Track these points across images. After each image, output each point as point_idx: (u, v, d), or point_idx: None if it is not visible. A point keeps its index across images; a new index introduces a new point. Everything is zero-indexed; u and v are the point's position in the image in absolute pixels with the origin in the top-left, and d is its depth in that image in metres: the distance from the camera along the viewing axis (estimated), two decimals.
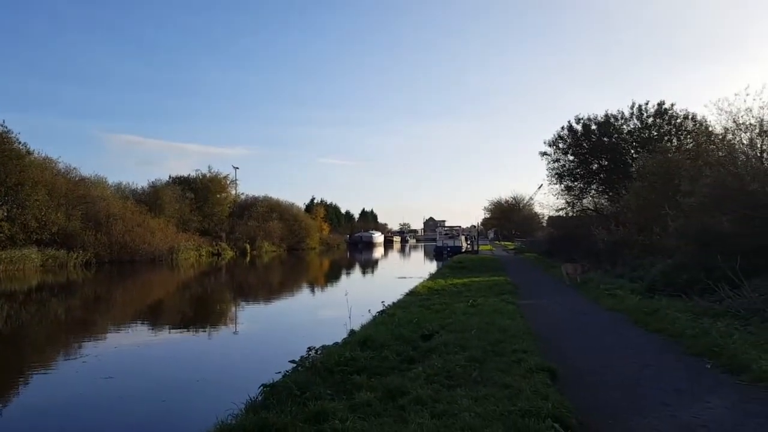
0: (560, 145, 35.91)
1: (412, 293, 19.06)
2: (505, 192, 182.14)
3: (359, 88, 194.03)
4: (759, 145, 16.34)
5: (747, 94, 17.38)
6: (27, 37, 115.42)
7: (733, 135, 18.23)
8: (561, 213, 39.11)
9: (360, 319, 12.95)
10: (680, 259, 16.26)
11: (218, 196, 70.42)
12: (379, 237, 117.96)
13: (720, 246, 13.99)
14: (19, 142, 40.82)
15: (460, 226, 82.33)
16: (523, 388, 6.57)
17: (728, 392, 6.85)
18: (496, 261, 38.71)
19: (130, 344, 13.92)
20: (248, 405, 6.52)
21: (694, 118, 31.40)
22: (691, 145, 28.48)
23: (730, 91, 42.07)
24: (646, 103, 32.85)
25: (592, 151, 34.56)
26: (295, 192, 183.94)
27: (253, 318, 19.52)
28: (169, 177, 67.85)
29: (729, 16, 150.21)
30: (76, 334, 16.23)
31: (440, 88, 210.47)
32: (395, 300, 17.02)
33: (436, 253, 62.12)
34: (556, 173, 36.33)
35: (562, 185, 36.42)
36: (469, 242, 63.11)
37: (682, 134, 31.41)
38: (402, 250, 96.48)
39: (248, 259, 58.71)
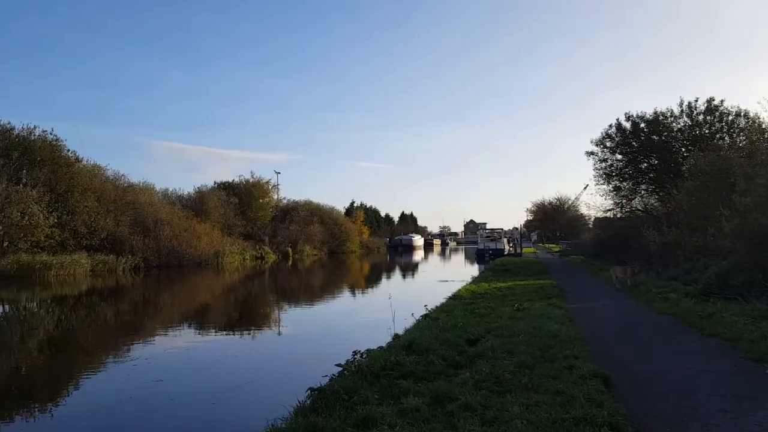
0: (608, 144, 35.02)
1: (455, 297, 18.84)
2: (548, 193, 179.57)
3: (397, 91, 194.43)
4: None
5: None
6: (75, 49, 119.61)
7: None
8: (609, 214, 38.19)
9: (403, 322, 12.85)
10: (736, 261, 15.62)
11: (261, 200, 71.48)
12: (419, 240, 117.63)
13: None
14: (69, 150, 42.35)
15: (501, 229, 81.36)
16: (576, 395, 6.38)
17: None
18: (540, 264, 38.04)
19: (179, 347, 14.15)
20: (297, 409, 6.52)
21: (746, 115, 30.23)
22: (744, 142, 27.42)
23: None
24: (696, 101, 31.78)
25: (641, 150, 33.59)
26: (334, 196, 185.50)
27: (296, 321, 19.65)
28: (214, 183, 69.37)
29: None
30: (125, 337, 16.60)
31: (479, 89, 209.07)
32: (438, 304, 16.85)
33: (477, 256, 61.56)
34: (604, 173, 35.45)
35: (611, 185, 35.51)
36: (511, 245, 62.34)
37: (734, 132, 30.27)
38: (442, 253, 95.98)
39: (290, 262, 59.32)
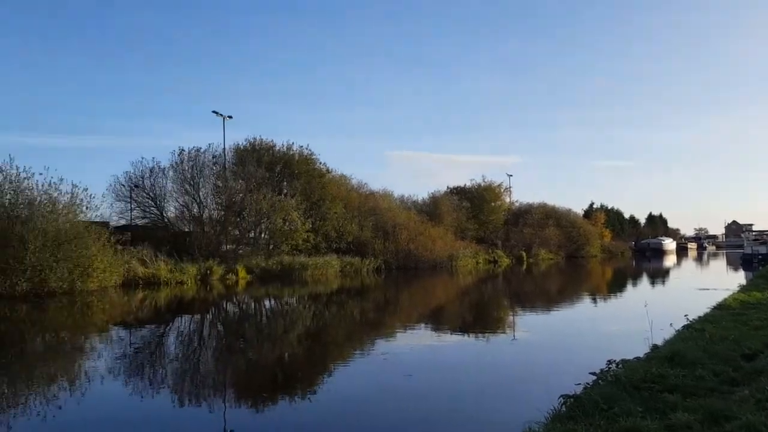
0: None
1: (720, 307, 16.47)
2: None
3: (635, 82, 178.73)
4: None
5: None
6: (319, 69, 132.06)
7: None
8: None
9: (660, 333, 11.43)
10: None
11: (493, 204, 71.50)
12: (670, 243, 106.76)
13: None
14: (321, 163, 47.27)
15: None
16: None
17: None
18: None
19: (422, 345, 14.48)
20: (553, 415, 6.17)
21: None
22: None
23: None
24: None
25: None
26: (570, 198, 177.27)
27: (534, 326, 18.90)
28: (447, 188, 71.31)
29: None
30: (371, 332, 17.60)
31: (733, 73, 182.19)
32: (700, 314, 14.80)
33: (743, 262, 53.81)
34: None
35: None
36: None
37: None
38: (698, 258, 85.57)
39: (524, 266, 58.12)
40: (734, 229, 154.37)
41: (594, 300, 28.16)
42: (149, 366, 12.59)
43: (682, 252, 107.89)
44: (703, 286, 29.80)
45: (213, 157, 41.88)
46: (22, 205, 25.96)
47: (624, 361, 8.11)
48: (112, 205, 39.39)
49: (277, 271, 37.29)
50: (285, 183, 45.84)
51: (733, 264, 60.40)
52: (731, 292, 21.20)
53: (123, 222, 39.89)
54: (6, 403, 9.36)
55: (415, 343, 14.62)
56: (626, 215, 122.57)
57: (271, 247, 40.58)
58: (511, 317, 21.84)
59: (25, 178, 26.41)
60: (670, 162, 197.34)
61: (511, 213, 74.93)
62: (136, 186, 40.62)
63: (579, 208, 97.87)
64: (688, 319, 12.89)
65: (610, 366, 7.78)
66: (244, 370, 12.41)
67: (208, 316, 22.40)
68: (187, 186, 39.79)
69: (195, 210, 40.09)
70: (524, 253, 65.61)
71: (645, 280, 42.43)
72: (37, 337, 17.21)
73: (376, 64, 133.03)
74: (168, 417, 8.47)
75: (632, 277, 46.62)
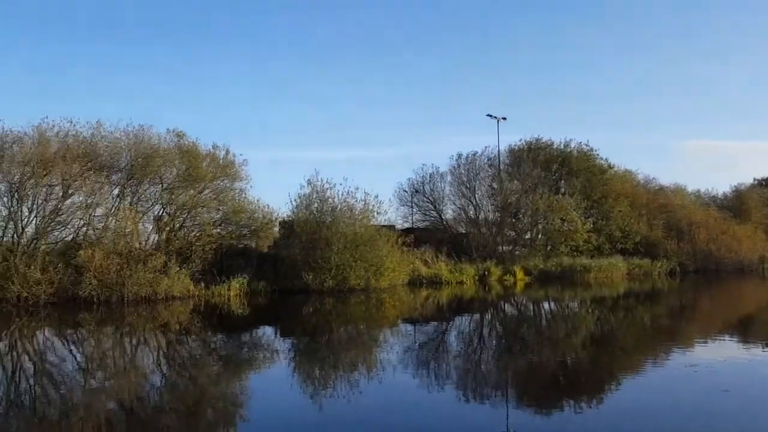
0: None
1: None
2: None
3: None
4: None
5: None
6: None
7: None
8: None
9: None
10: None
11: None
12: None
13: None
14: (601, 158, 44.62)
15: None
16: None
17: None
18: None
19: (736, 357, 12.46)
20: None
21: None
22: None
23: None
24: None
25: None
26: None
27: None
28: (753, 180, 61.34)
29: None
30: (667, 340, 15.77)
31: None
32: None
33: None
34: None
35: None
36: None
37: None
38: None
39: None
40: None
41: None
42: (434, 360, 13.13)
43: None
44: None
45: (488, 160, 42.73)
46: (326, 212, 29.71)
47: None
48: (397, 209, 42.83)
49: (557, 272, 36.21)
50: (562, 182, 44.41)
51: None
52: None
53: (407, 225, 43.03)
54: (317, 384, 10.67)
55: (728, 355, 12.61)
56: None
57: (548, 248, 39.65)
58: None
59: (328, 188, 30.22)
60: None
61: None
62: (417, 191, 43.55)
63: None
64: None
65: None
66: (525, 371, 12.14)
67: (487, 316, 22.70)
68: (463, 189, 41.30)
69: (471, 212, 41.31)
70: None
71: None
72: (341, 327, 19.42)
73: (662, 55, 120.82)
74: (453, 409, 8.64)
75: None
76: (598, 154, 44.70)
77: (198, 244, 26.83)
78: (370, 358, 13.25)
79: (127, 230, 25.19)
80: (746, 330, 18.14)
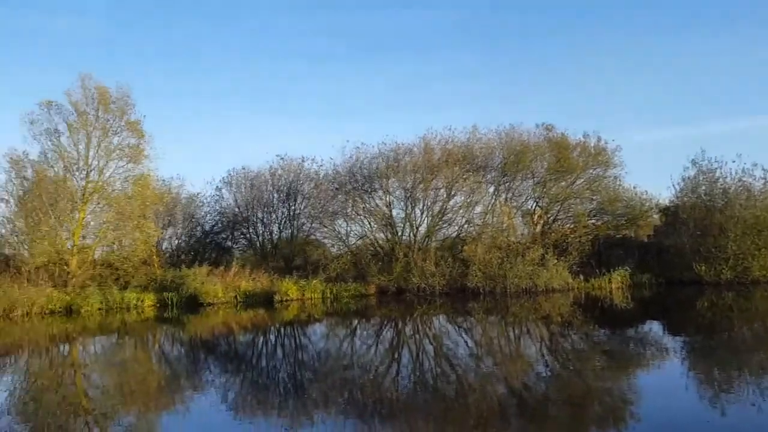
0: None
1: None
2: None
3: None
4: None
5: None
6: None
7: None
8: None
9: None
10: None
11: None
12: None
13: None
14: None
15: None
16: None
17: None
18: None
19: None
20: None
21: None
22: None
23: None
24: None
25: None
26: None
27: None
28: None
29: None
30: None
31: None
32: None
33: None
34: None
35: None
36: None
37: None
38: None
39: None
40: None
41: None
42: None
43: None
44: None
45: None
46: (717, 195, 26.04)
47: None
48: None
49: None
50: None
51: None
52: None
53: None
54: (717, 387, 9.19)
55: None
56: None
57: None
58: None
59: (717, 167, 26.43)
60: None
61: None
62: None
63: None
64: None
65: None
66: None
67: None
68: None
69: None
70: None
71: None
72: (744, 325, 16.60)
73: None
74: None
75: None
76: None
77: (573, 236, 26.67)
78: None
79: (504, 225, 26.68)
80: None
